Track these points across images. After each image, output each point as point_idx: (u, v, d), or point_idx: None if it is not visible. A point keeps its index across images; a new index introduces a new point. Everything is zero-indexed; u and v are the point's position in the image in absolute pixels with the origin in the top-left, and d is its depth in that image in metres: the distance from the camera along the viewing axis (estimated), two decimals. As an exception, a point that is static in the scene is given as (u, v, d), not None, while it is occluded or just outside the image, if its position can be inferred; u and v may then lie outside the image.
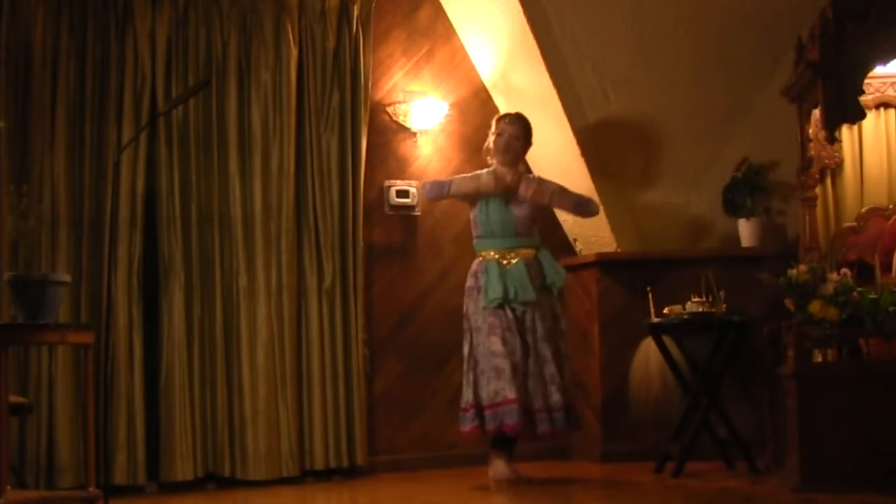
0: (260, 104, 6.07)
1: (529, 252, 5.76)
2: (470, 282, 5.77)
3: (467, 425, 5.63)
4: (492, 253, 5.75)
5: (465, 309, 5.77)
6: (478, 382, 5.61)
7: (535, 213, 5.84)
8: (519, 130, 5.83)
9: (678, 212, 6.66)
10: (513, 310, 5.64)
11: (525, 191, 5.74)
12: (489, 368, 5.55)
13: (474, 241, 5.88)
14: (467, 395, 5.65)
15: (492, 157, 5.87)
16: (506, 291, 5.61)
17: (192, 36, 5.99)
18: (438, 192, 5.88)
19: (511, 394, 5.47)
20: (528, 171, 5.99)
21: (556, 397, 5.58)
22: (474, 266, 5.80)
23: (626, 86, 6.36)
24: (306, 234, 6.13)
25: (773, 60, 6.24)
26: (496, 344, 5.55)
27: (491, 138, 5.87)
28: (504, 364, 5.51)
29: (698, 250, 6.52)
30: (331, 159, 6.17)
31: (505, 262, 5.71)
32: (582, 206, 5.90)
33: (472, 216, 5.89)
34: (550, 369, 5.60)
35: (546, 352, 5.62)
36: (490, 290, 5.63)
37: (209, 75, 5.95)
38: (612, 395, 6.40)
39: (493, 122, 5.91)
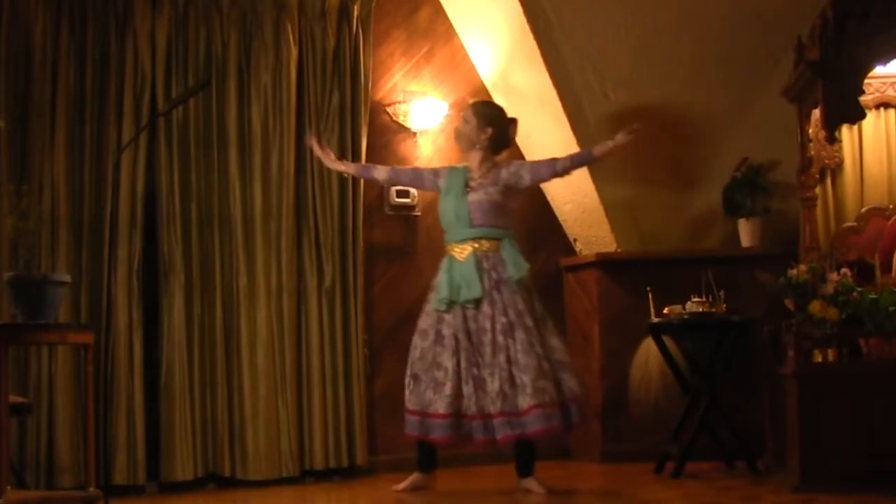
0: (260, 104, 6.07)
1: (488, 244, 5.41)
2: (434, 280, 5.55)
3: (411, 429, 5.43)
4: (450, 247, 5.50)
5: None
6: (418, 386, 5.40)
7: (502, 202, 5.47)
8: (466, 116, 5.60)
9: (678, 212, 6.66)
10: (464, 308, 5.36)
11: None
12: (427, 377, 5.37)
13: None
14: (408, 399, 5.44)
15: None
16: (451, 291, 5.34)
17: (192, 36, 5.99)
18: (584, 159, 5.56)
19: (442, 409, 5.27)
20: (513, 157, 5.75)
21: (496, 406, 5.22)
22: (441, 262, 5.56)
23: (626, 86, 6.36)
24: (306, 234, 6.13)
25: (773, 60, 6.25)
26: (439, 353, 5.34)
27: None
28: (441, 375, 5.30)
29: (698, 250, 6.52)
30: (331, 159, 6.17)
31: (460, 256, 5.43)
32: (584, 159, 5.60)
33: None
34: (501, 369, 5.24)
35: (501, 356, 5.26)
36: (438, 291, 5.42)
37: (209, 75, 5.95)
38: (612, 395, 6.41)
39: None
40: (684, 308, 5.82)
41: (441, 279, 5.44)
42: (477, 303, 5.34)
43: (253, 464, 5.89)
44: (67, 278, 4.70)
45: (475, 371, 5.31)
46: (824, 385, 5.12)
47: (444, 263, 5.49)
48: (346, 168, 5.89)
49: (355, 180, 6.18)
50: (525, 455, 5.38)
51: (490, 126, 5.57)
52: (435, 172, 5.72)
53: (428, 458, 5.52)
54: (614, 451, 6.38)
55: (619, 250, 6.63)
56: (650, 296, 5.94)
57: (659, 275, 6.30)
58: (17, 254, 5.48)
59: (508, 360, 5.27)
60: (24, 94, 5.70)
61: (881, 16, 5.29)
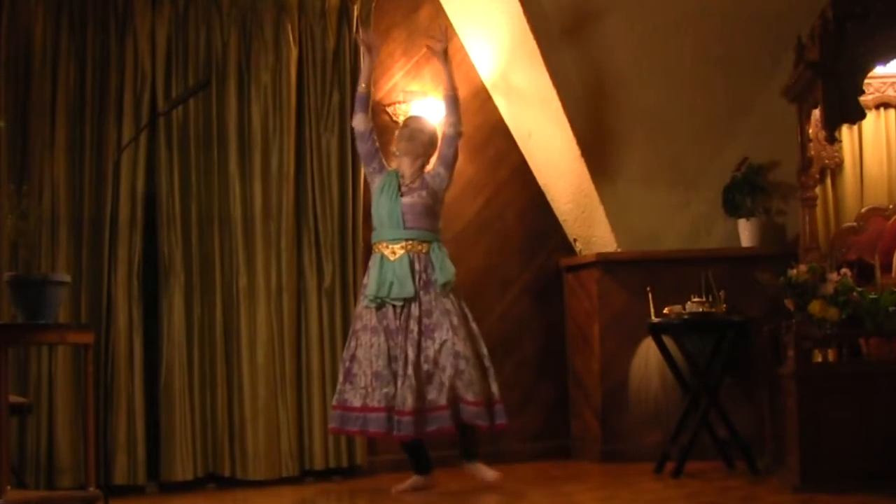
0: (260, 104, 6.07)
1: (420, 246, 5.51)
2: (364, 278, 5.63)
3: (331, 423, 5.53)
4: (381, 246, 5.57)
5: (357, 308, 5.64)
6: (350, 382, 5.46)
7: (432, 205, 5.59)
8: (422, 128, 5.74)
9: (678, 212, 6.66)
10: (393, 307, 5.45)
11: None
12: (360, 371, 5.43)
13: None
14: (339, 394, 5.50)
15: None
16: (380, 288, 5.42)
17: (192, 36, 5.99)
18: (451, 102, 5.70)
19: (377, 402, 5.36)
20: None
21: (433, 395, 5.38)
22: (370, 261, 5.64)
23: (626, 86, 6.36)
24: (306, 234, 6.13)
25: (773, 60, 6.25)
26: (373, 347, 5.42)
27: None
28: (377, 369, 5.38)
29: (698, 250, 6.51)
30: (331, 159, 6.17)
31: (392, 256, 5.52)
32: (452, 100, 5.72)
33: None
34: (427, 367, 5.39)
35: (428, 350, 5.40)
36: (368, 288, 5.48)
37: (209, 75, 5.95)
38: (612, 395, 6.40)
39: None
40: (684, 308, 5.82)
41: (371, 277, 5.50)
42: (405, 302, 5.44)
43: (253, 464, 5.89)
44: (67, 278, 4.70)
45: (397, 368, 5.40)
46: (824, 385, 5.11)
47: (373, 261, 5.55)
48: (365, 70, 5.74)
49: (355, 180, 6.18)
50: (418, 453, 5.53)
51: (434, 145, 5.73)
52: (382, 167, 5.72)
53: (420, 459, 5.55)
54: (614, 451, 6.37)
55: (619, 250, 6.63)
56: (650, 296, 5.93)
57: (659, 275, 6.29)
58: (17, 254, 5.49)
59: (427, 360, 5.41)
60: (24, 94, 5.71)
61: (881, 16, 5.28)
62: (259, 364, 5.95)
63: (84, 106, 5.81)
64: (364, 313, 5.51)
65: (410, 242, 5.52)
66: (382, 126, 6.48)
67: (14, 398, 4.78)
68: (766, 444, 5.76)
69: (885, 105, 6.18)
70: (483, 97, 6.72)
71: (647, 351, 6.13)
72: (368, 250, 6.25)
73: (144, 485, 5.75)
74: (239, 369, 5.95)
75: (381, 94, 6.50)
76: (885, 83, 6.13)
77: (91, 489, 4.62)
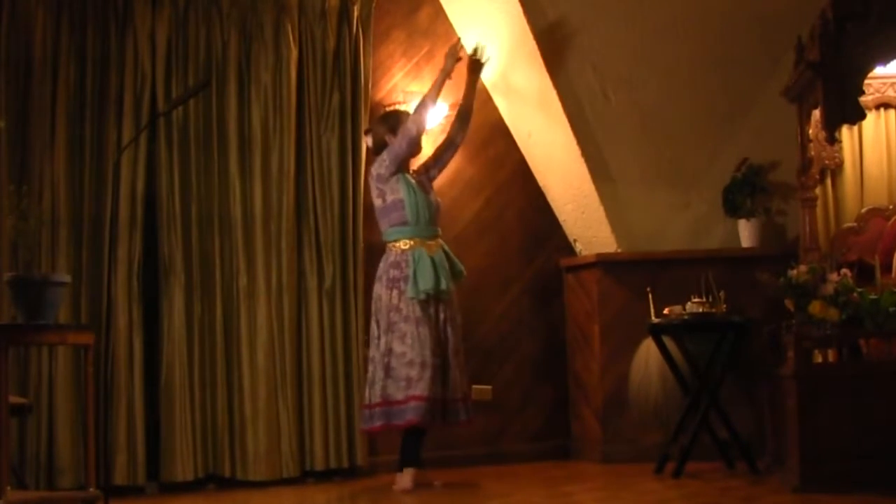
0: (260, 104, 6.07)
1: (440, 242, 5.75)
2: (393, 272, 5.61)
3: (373, 423, 5.54)
4: (419, 241, 5.65)
5: (384, 302, 5.60)
6: (390, 377, 5.50)
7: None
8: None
9: (678, 212, 6.66)
10: (435, 301, 5.59)
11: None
12: (413, 360, 5.47)
13: (392, 229, 5.69)
14: (375, 392, 5.53)
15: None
16: (434, 282, 5.54)
17: (192, 36, 5.99)
18: (424, 113, 5.78)
19: (424, 391, 5.42)
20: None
21: (466, 388, 5.67)
22: (394, 256, 5.65)
23: (626, 86, 6.36)
24: (306, 234, 6.13)
25: (773, 60, 6.24)
26: (424, 336, 5.49)
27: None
28: (426, 359, 5.45)
29: (698, 250, 6.51)
30: (331, 159, 6.17)
31: (430, 251, 5.66)
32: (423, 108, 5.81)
33: (384, 203, 5.70)
34: (461, 361, 5.64)
35: (460, 344, 5.67)
36: (422, 281, 5.54)
37: (209, 75, 5.95)
38: (612, 395, 6.40)
39: (395, 122, 5.87)
40: (684, 308, 5.82)
41: (421, 270, 5.55)
42: (446, 295, 5.63)
43: (253, 464, 5.89)
44: (67, 278, 4.70)
45: (437, 359, 5.51)
46: (824, 385, 5.11)
47: (415, 256, 5.60)
48: (439, 78, 5.87)
49: (355, 180, 6.18)
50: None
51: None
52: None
53: (418, 452, 5.57)
54: (614, 451, 6.37)
55: (619, 250, 6.63)
56: (650, 296, 5.93)
57: (659, 275, 6.30)
58: (17, 254, 5.49)
59: (453, 352, 5.62)
60: (24, 94, 5.71)
61: (881, 16, 5.28)
62: (259, 364, 5.95)
63: (84, 106, 5.81)
64: (406, 306, 5.55)
65: (439, 238, 5.75)
66: (382, 126, 6.49)
67: (14, 398, 4.78)
68: (766, 444, 5.76)
69: (885, 105, 6.18)
70: (483, 97, 6.70)
71: (647, 351, 6.13)
72: (369, 250, 6.28)
73: (144, 485, 5.75)
74: (239, 369, 5.95)
75: (381, 94, 6.50)
76: (885, 83, 6.14)
77: (91, 489, 4.61)
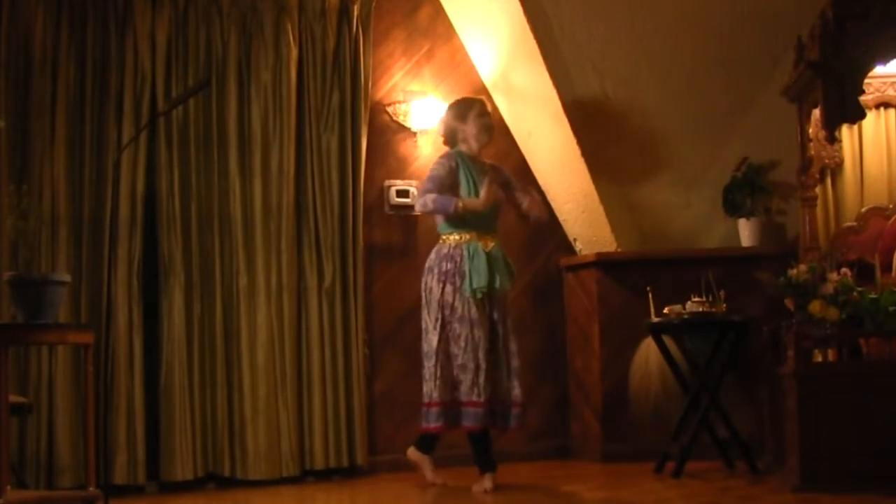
0: (260, 104, 6.07)
1: (496, 238, 5.59)
2: (446, 265, 5.46)
3: (433, 422, 5.43)
4: (474, 235, 5.50)
5: (435, 295, 5.46)
6: (450, 376, 5.41)
7: None
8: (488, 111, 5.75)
9: (678, 212, 6.66)
10: (489, 299, 5.47)
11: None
12: (466, 364, 5.38)
13: (448, 222, 5.53)
14: (432, 390, 5.42)
15: (463, 143, 5.63)
16: (490, 279, 5.40)
17: (192, 36, 5.99)
18: (444, 209, 5.49)
19: (480, 396, 5.34)
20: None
21: (516, 392, 5.47)
22: (448, 249, 5.50)
23: (626, 86, 6.36)
24: (306, 234, 6.13)
25: (773, 60, 6.25)
26: (478, 338, 5.38)
27: (470, 124, 5.61)
28: (479, 363, 5.36)
29: (698, 250, 6.52)
30: (331, 159, 6.17)
31: (486, 248, 5.50)
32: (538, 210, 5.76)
33: (440, 199, 5.46)
34: (515, 363, 5.50)
35: (513, 345, 5.51)
36: (476, 278, 5.39)
37: (209, 75, 5.95)
38: (612, 395, 6.40)
39: (465, 110, 5.66)
40: (684, 308, 5.82)
41: (476, 266, 5.42)
42: (499, 294, 5.51)
43: (253, 464, 5.89)
44: (67, 278, 4.69)
45: (490, 359, 5.42)
46: (824, 385, 5.11)
47: (471, 251, 5.46)
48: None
49: (355, 180, 6.19)
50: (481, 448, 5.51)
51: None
52: (448, 170, 5.57)
53: (490, 454, 5.50)
54: (614, 451, 6.37)
55: (619, 250, 6.63)
56: (650, 296, 5.93)
57: (659, 275, 6.30)
58: (17, 254, 5.49)
59: (509, 356, 5.53)
60: (24, 94, 5.71)
61: (881, 16, 5.28)
62: (259, 364, 5.95)
63: (84, 106, 5.80)
64: (461, 305, 5.41)
65: (496, 234, 5.59)
66: (383, 126, 6.50)
67: (14, 398, 4.77)
68: (766, 444, 5.76)
69: (885, 105, 6.18)
70: (483, 97, 6.70)
71: (647, 351, 6.13)
72: (369, 250, 6.29)
73: (144, 485, 5.75)
74: (239, 369, 5.95)
75: (380, 93, 6.50)
76: (885, 83, 6.14)
77: (91, 489, 4.61)
